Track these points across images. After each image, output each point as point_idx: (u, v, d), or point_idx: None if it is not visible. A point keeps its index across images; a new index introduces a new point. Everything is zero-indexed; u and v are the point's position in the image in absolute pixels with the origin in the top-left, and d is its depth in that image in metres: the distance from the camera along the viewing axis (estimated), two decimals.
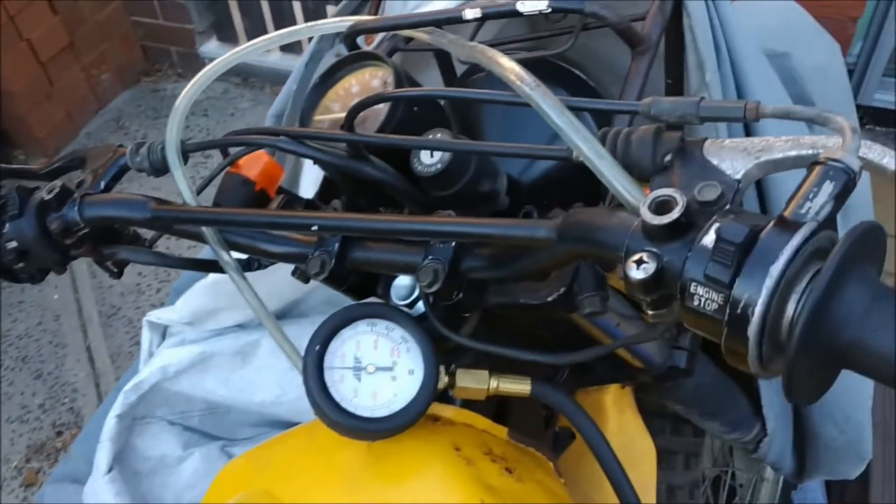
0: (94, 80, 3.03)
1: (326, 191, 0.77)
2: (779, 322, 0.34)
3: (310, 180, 1.09)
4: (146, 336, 1.33)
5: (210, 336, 1.25)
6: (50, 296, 2.40)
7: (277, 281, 1.09)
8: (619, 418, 0.83)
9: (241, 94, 3.06)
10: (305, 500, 0.59)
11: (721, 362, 0.90)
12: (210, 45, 3.16)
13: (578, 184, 0.56)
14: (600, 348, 0.55)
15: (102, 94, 3.09)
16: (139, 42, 3.22)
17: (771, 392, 0.97)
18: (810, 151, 0.39)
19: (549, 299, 0.57)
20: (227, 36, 3.14)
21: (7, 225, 0.67)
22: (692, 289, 0.36)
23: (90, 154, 0.74)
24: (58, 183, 0.68)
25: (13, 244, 0.67)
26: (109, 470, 1.20)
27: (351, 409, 0.56)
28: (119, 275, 0.73)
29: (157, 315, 1.29)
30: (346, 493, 0.58)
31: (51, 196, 0.66)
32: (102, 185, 0.70)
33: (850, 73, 2.37)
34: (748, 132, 0.75)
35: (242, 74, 3.10)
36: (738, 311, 0.34)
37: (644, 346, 0.73)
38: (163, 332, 1.33)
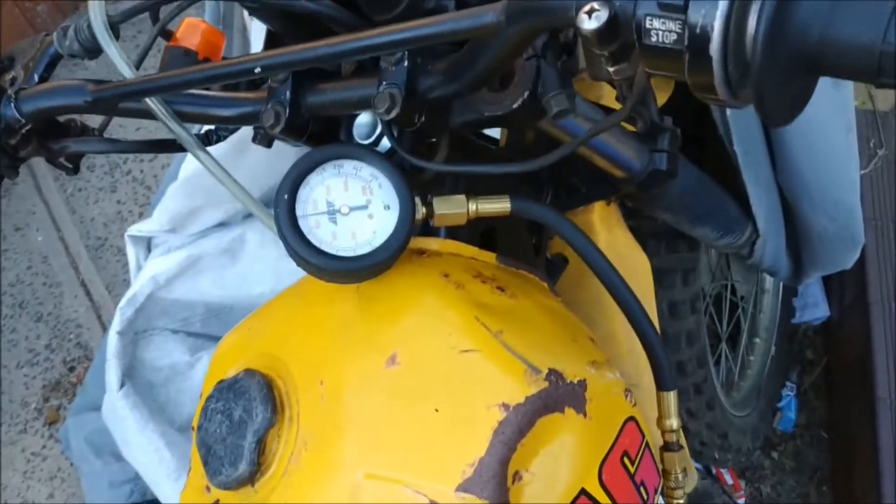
0: (29, 13, 2.90)
1: (271, 48, 0.73)
2: (741, 38, 0.32)
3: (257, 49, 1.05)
4: (131, 251, 1.32)
5: (194, 239, 1.24)
6: (34, 239, 2.37)
7: (252, 169, 1.07)
8: (609, 236, 0.83)
9: None
10: (304, 353, 0.59)
11: (705, 169, 0.89)
12: None
13: None
14: (569, 145, 0.53)
15: (41, 26, 2.96)
16: None
17: (759, 189, 0.97)
18: None
19: (514, 106, 0.55)
20: None
21: None
22: (648, 24, 0.33)
23: (17, 51, 0.70)
24: None
25: None
26: (122, 385, 1.20)
27: (332, 251, 0.55)
28: (76, 170, 0.70)
29: (137, 228, 1.27)
30: (342, 339, 0.58)
31: None
32: (36, 77, 0.67)
33: None
34: None
35: None
36: (698, 31, 0.32)
37: (623, 153, 0.72)
38: (147, 244, 1.32)
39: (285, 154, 1.15)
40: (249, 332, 0.66)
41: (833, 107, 0.95)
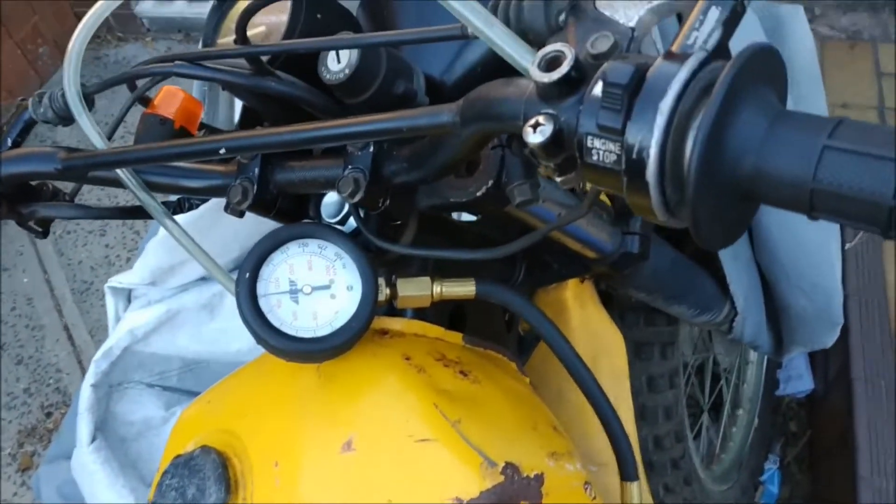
0: (31, 55, 2.93)
1: (247, 121, 0.74)
2: (678, 163, 0.32)
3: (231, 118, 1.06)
4: (111, 302, 1.31)
5: (174, 293, 1.23)
6: (19, 280, 2.37)
7: (234, 227, 1.07)
8: (582, 312, 0.82)
9: (186, 49, 2.97)
10: (261, 431, 0.58)
11: (681, 244, 0.89)
12: (146, 5, 3.05)
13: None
14: (535, 233, 0.53)
15: (43, 68, 3.00)
16: (72, 10, 3.11)
17: (737, 269, 0.97)
18: None
19: (479, 194, 0.55)
20: None
21: None
22: (589, 143, 0.33)
23: None
24: None
25: None
26: (93, 440, 1.19)
27: (291, 332, 0.55)
28: (45, 234, 0.70)
29: (118, 280, 1.27)
30: (300, 418, 0.57)
31: None
32: (10, 141, 0.67)
33: None
34: None
35: (183, 30, 3.01)
36: (634, 156, 0.32)
37: (595, 235, 0.72)
38: (127, 295, 1.31)
39: (262, 219, 1.15)
40: (209, 405, 0.65)
41: None
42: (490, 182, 0.54)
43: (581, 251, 0.72)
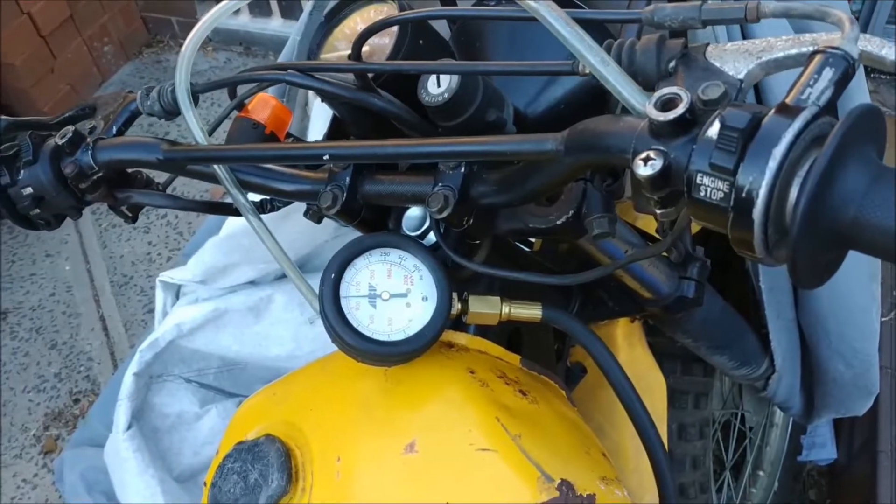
0: (96, 52, 3.03)
1: (335, 133, 0.78)
2: (782, 206, 0.34)
3: (317, 130, 1.10)
4: (160, 296, 1.35)
5: (223, 293, 1.26)
6: (62, 267, 2.42)
7: (291, 235, 1.11)
8: (630, 352, 0.85)
9: (244, 63, 3.05)
10: (325, 427, 0.60)
11: (729, 297, 0.91)
12: None
13: (585, 116, 0.57)
14: (607, 267, 0.56)
15: (105, 66, 3.09)
16: (140, 13, 3.21)
17: (780, 328, 0.99)
18: (811, 48, 0.40)
19: (558, 223, 0.58)
20: None
21: (22, 171, 0.68)
22: (698, 180, 0.36)
23: (100, 101, 0.74)
24: (70, 128, 0.69)
25: (29, 190, 0.68)
26: (129, 427, 1.21)
27: (368, 333, 0.57)
28: (134, 219, 0.74)
29: (169, 275, 1.31)
30: (364, 418, 0.60)
31: (64, 141, 0.67)
32: (114, 130, 0.71)
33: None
34: (746, 38, 0.76)
35: (245, 43, 3.09)
36: (744, 195, 0.35)
37: (653, 277, 0.74)
38: (176, 291, 1.35)
39: (319, 228, 1.19)
40: (274, 397, 0.68)
41: (860, 255, 0.98)
42: (571, 212, 0.57)
43: (638, 290, 0.75)
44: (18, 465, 1.96)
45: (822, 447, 1.70)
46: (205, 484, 0.63)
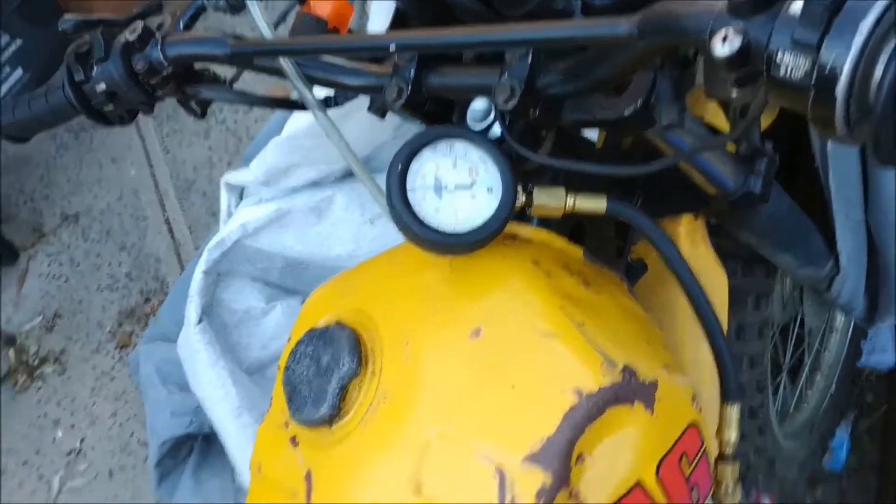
0: None
1: (397, 26, 0.77)
2: (867, 83, 0.34)
3: (377, 27, 1.09)
4: (224, 197, 1.38)
5: (285, 194, 1.29)
6: (127, 172, 2.49)
7: (350, 135, 1.12)
8: (692, 249, 0.84)
9: None
10: (393, 314, 0.63)
11: (796, 195, 0.89)
12: None
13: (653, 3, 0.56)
14: (675, 156, 0.56)
15: None
16: None
17: (847, 227, 0.97)
18: None
19: (627, 113, 0.57)
20: None
21: (95, 68, 0.70)
22: (778, 58, 0.36)
23: None
24: (139, 24, 0.70)
25: (102, 86, 0.70)
26: (199, 321, 1.26)
27: (434, 224, 0.58)
28: (203, 114, 0.76)
29: (233, 176, 1.33)
30: (431, 305, 0.62)
31: (134, 37, 0.69)
32: (181, 25, 0.72)
33: None
34: None
35: None
36: (826, 71, 0.34)
37: (720, 171, 0.73)
38: (240, 192, 1.38)
39: (380, 126, 1.19)
40: (344, 286, 0.70)
41: None
42: (639, 102, 0.56)
43: (703, 185, 0.74)
44: (96, 358, 2.08)
45: (882, 352, 1.68)
46: (279, 368, 0.67)
